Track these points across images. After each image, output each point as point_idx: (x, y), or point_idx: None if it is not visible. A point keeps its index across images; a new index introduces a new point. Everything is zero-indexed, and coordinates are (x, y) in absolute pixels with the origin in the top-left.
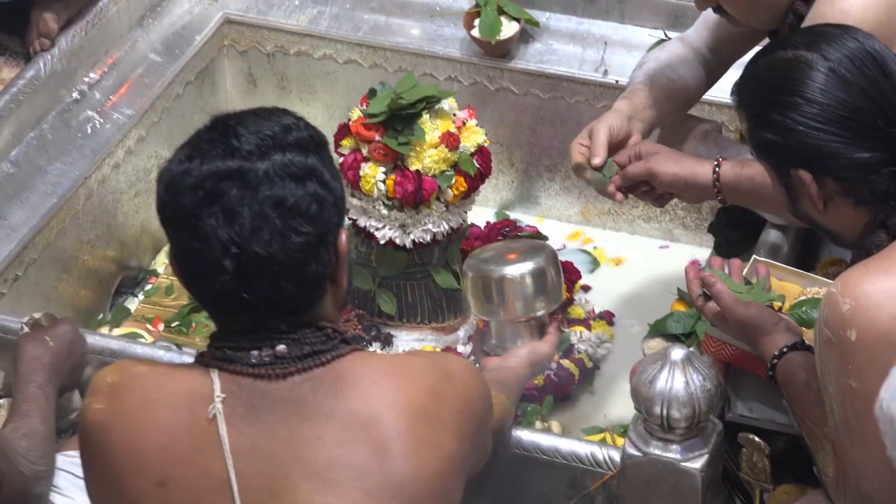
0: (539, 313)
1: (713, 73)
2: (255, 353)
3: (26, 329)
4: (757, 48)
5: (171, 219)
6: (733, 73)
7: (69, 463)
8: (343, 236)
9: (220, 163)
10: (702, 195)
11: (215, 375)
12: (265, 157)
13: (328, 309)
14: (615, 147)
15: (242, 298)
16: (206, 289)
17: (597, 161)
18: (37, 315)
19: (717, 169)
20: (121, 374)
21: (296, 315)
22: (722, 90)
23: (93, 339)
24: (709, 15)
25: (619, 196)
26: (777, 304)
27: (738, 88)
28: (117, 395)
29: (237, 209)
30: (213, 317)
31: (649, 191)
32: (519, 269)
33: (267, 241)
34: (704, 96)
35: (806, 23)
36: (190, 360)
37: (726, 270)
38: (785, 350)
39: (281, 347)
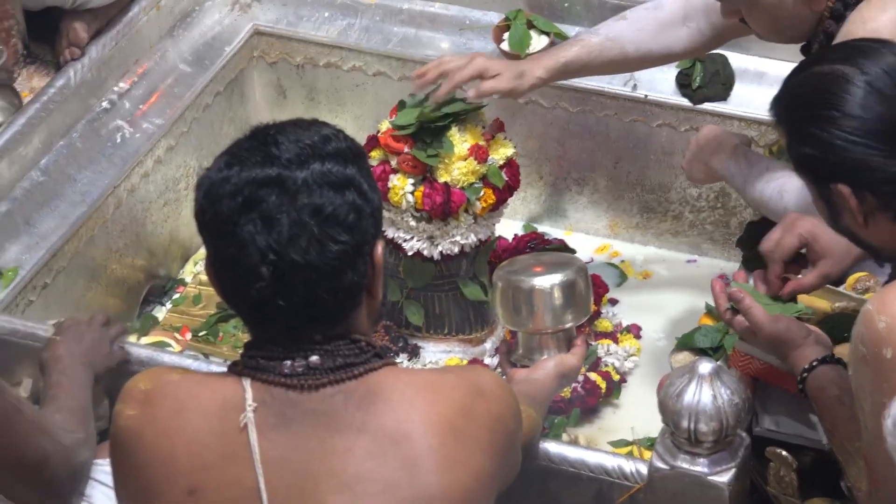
0: (567, 325)
1: (702, 47)
2: (288, 363)
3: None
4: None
5: (210, 226)
6: (770, 90)
7: (99, 471)
8: (379, 247)
9: (259, 170)
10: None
11: (247, 384)
12: (304, 165)
13: (363, 321)
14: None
15: (278, 306)
16: (243, 296)
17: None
18: (48, 327)
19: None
20: (154, 382)
21: (330, 325)
22: (752, 106)
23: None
24: None
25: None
26: (805, 315)
27: (777, 104)
28: (150, 402)
29: (275, 216)
30: (247, 325)
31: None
32: (549, 281)
33: (304, 249)
34: (734, 111)
35: (836, 41)
36: (218, 369)
37: (751, 283)
38: (815, 364)
39: (314, 358)
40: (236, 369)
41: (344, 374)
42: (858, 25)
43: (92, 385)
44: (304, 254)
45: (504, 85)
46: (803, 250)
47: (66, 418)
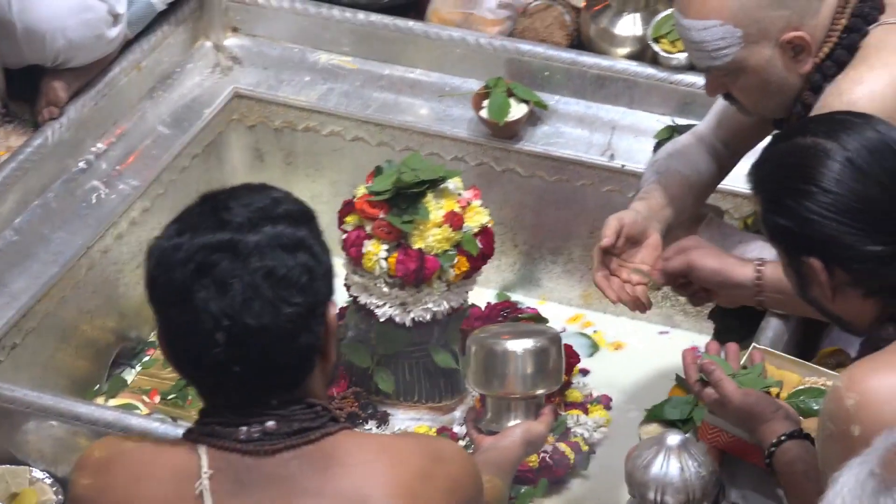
0: (538, 392)
1: (725, 165)
2: (244, 428)
3: None
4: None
5: (162, 295)
6: (745, 163)
7: None
8: (332, 309)
9: (210, 236)
10: (739, 294)
11: (203, 451)
12: (256, 229)
13: (318, 384)
14: (629, 242)
15: (234, 372)
16: (198, 364)
17: (605, 242)
18: None
19: (759, 268)
20: (109, 450)
21: (286, 389)
22: (728, 178)
23: (88, 410)
24: (719, 107)
25: (644, 308)
26: (775, 390)
27: (755, 171)
28: (105, 470)
29: (228, 281)
30: (201, 393)
31: (686, 284)
32: (522, 345)
33: (258, 312)
34: None
35: (813, 114)
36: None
37: (722, 356)
38: (783, 438)
39: (270, 424)
40: (192, 436)
41: (300, 439)
42: (835, 98)
43: None
44: (258, 317)
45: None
46: None
47: None
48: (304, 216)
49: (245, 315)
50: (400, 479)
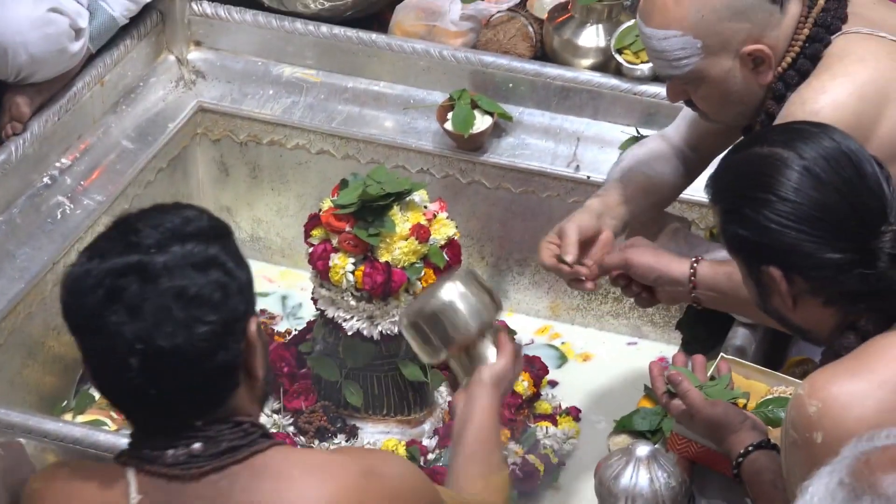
0: (484, 328)
1: (693, 170)
2: (171, 451)
3: None
4: None
5: (76, 321)
6: (702, 175)
7: None
8: (253, 324)
9: (118, 259)
10: (676, 292)
11: (132, 476)
12: (164, 249)
13: (244, 402)
14: (586, 244)
15: (151, 395)
16: (116, 388)
17: (569, 258)
18: None
19: (693, 265)
20: (45, 480)
21: (209, 409)
22: (693, 188)
23: (56, 427)
24: (688, 112)
25: (590, 285)
26: (742, 401)
27: (713, 182)
28: (39, 500)
29: (139, 304)
30: (127, 417)
31: (628, 285)
32: (442, 296)
33: (171, 334)
34: None
35: (777, 123)
36: None
37: (689, 367)
38: (751, 449)
39: (196, 446)
40: (122, 459)
41: (228, 459)
42: (798, 107)
43: None
44: (170, 339)
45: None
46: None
47: None
48: (216, 233)
49: (157, 337)
50: (332, 495)
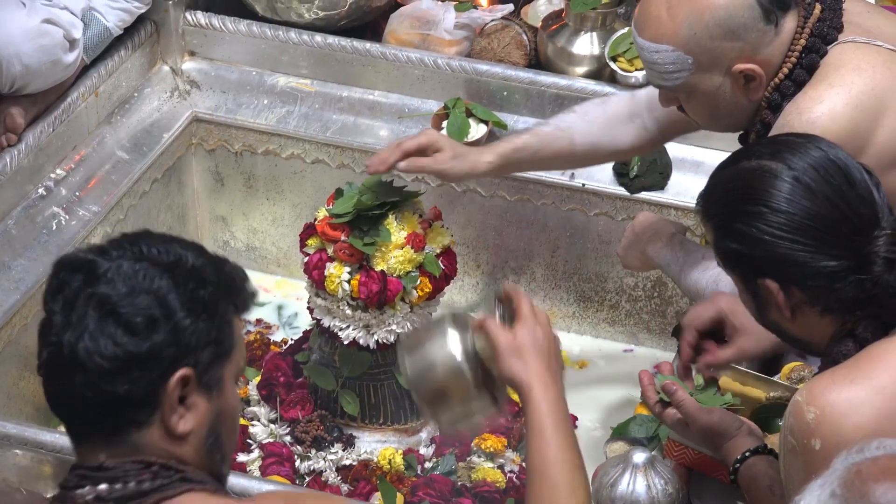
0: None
1: (647, 143)
2: (81, 491)
3: None
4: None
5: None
6: (699, 181)
7: None
8: (175, 380)
9: (86, 254)
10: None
11: None
12: (119, 260)
13: (157, 443)
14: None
15: (50, 392)
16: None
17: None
18: None
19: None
20: None
21: (109, 438)
22: (689, 195)
23: (52, 438)
24: None
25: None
26: (735, 405)
27: (703, 199)
28: None
29: (72, 299)
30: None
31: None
32: (447, 359)
33: (79, 336)
34: (671, 200)
35: (773, 132)
36: None
37: (676, 374)
38: (747, 454)
39: (102, 487)
40: (55, 494)
41: None
42: (794, 116)
43: None
44: (76, 342)
45: (434, 166)
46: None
47: None
48: (183, 273)
49: (67, 334)
50: None
